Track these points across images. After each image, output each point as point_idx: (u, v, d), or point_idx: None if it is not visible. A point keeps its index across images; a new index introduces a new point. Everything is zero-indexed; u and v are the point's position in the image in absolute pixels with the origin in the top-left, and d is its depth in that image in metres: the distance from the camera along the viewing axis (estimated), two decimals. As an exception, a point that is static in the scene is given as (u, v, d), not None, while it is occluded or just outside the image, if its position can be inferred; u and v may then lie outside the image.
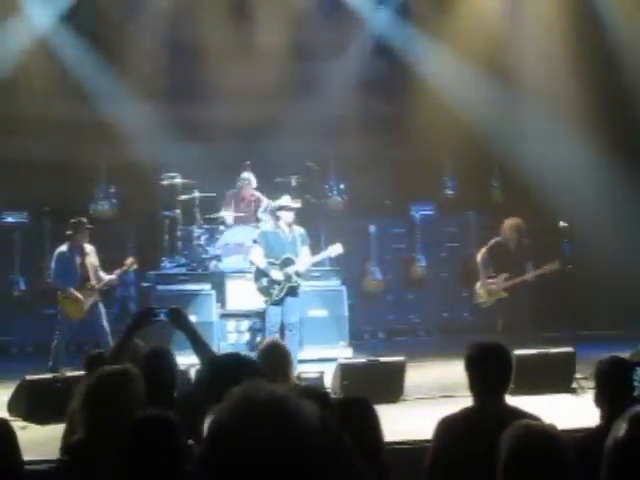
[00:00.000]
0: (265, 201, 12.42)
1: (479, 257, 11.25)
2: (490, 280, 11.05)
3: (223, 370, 4.06)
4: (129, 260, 11.36)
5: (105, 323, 10.81)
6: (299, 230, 10.59)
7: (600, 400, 4.46)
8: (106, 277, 11.06)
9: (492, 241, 11.24)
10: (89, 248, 10.98)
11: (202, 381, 4.36)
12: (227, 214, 12.57)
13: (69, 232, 10.96)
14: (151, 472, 3.47)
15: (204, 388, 4.20)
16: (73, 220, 10.99)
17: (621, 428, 2.34)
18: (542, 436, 3.15)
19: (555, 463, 3.09)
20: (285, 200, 10.67)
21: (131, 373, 4.17)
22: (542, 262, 10.96)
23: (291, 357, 5.75)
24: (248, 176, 12.77)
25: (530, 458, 3.09)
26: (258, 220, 12.40)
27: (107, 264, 11.21)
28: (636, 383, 4.46)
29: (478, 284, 11.21)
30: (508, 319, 10.97)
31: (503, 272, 10.95)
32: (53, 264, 11.05)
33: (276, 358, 5.43)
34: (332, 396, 7.94)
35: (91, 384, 4.09)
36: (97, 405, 3.99)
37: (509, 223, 11.16)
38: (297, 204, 10.85)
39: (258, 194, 12.83)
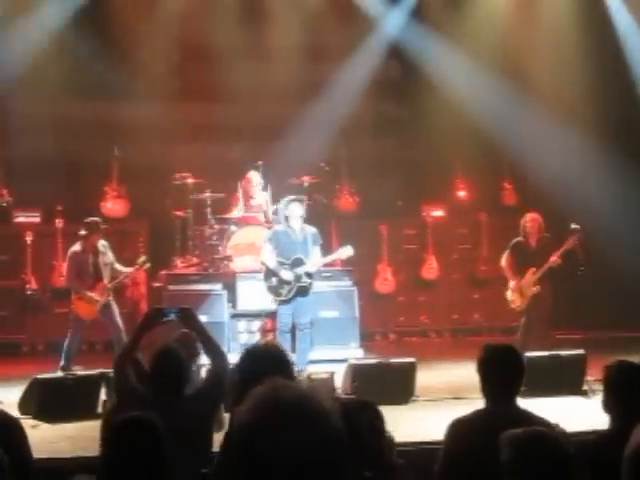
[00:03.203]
0: (276, 201, 12.43)
1: (504, 262, 11.00)
2: (520, 282, 10.81)
3: (260, 362, 4.03)
4: (141, 259, 11.38)
5: (119, 320, 10.83)
6: (311, 230, 10.59)
7: (610, 405, 4.43)
8: (123, 269, 11.10)
9: (512, 242, 10.99)
10: (102, 245, 10.97)
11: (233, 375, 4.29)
12: (237, 214, 12.61)
13: (83, 232, 10.95)
14: (131, 473, 3.45)
15: (235, 379, 4.13)
16: (88, 220, 10.99)
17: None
18: (541, 442, 3.13)
19: (556, 469, 3.08)
20: (291, 196, 10.71)
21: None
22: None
23: (290, 359, 5.69)
24: (252, 175, 12.80)
25: (530, 465, 3.07)
26: (269, 221, 12.42)
27: (119, 264, 11.23)
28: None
29: (509, 291, 10.88)
30: (536, 318, 10.78)
31: (529, 268, 10.74)
32: (66, 264, 11.09)
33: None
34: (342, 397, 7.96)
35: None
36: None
37: (527, 218, 10.94)
38: (304, 198, 10.81)
39: (268, 194, 12.84)
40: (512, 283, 10.85)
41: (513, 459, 3.09)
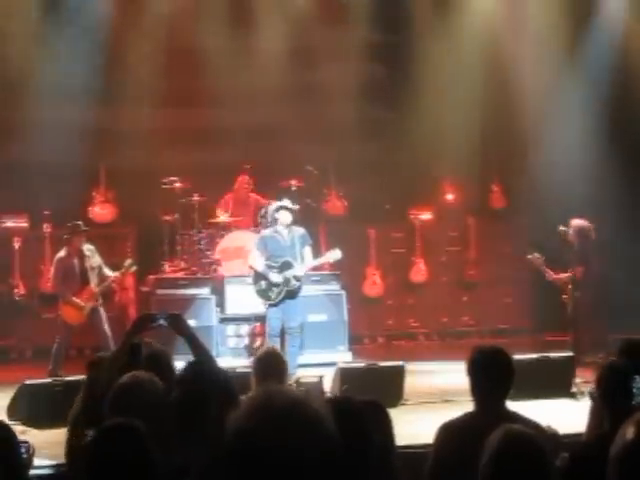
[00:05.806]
0: (265, 204, 12.42)
1: None
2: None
3: (191, 390, 4.02)
4: (127, 262, 11.37)
5: (106, 327, 10.81)
6: (299, 231, 10.59)
7: (602, 405, 4.45)
8: (111, 274, 11.08)
9: None
10: (88, 250, 10.97)
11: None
12: (225, 218, 12.60)
13: (66, 237, 10.97)
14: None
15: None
16: (69, 224, 11.01)
17: (628, 432, 2.32)
18: (520, 440, 3.14)
19: (532, 467, 3.08)
20: (284, 202, 10.71)
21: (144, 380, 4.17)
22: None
23: (287, 366, 5.70)
24: (244, 179, 12.79)
25: (508, 462, 3.08)
26: (257, 224, 12.41)
27: (107, 268, 11.21)
28: (635, 390, 4.44)
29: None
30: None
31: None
32: (53, 270, 11.08)
33: (272, 366, 5.40)
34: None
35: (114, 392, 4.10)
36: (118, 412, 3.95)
37: (572, 225, 10.98)
38: (295, 206, 10.83)
39: (258, 197, 12.86)
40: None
41: (492, 455, 3.09)
